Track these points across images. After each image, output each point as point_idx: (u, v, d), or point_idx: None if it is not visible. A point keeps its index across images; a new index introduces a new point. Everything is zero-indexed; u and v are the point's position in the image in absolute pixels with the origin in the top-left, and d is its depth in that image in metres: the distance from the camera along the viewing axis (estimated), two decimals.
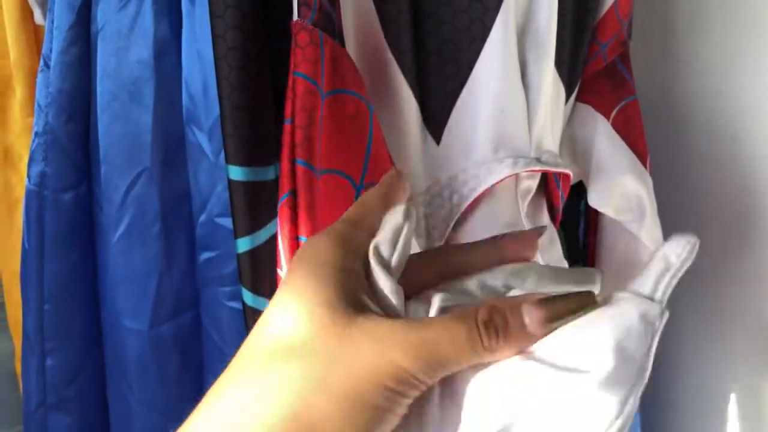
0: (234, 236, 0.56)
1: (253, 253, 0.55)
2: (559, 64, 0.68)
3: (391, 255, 0.28)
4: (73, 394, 0.68)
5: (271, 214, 0.58)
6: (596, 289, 0.30)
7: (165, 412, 0.66)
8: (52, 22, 0.59)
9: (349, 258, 0.27)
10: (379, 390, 0.24)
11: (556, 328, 0.25)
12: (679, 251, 0.26)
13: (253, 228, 0.56)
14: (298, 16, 0.55)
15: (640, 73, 0.79)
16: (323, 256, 0.27)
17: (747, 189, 0.83)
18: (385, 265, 0.28)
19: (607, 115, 0.73)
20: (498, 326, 0.25)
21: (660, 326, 0.26)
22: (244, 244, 0.57)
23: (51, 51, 0.59)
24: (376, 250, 0.28)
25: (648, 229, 0.73)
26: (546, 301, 0.25)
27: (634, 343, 0.25)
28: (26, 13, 0.65)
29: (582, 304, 0.25)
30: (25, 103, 0.66)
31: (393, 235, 0.28)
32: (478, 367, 0.26)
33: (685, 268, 0.26)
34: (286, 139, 0.52)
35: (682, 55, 0.88)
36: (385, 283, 0.27)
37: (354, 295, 0.26)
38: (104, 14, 0.58)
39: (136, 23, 0.58)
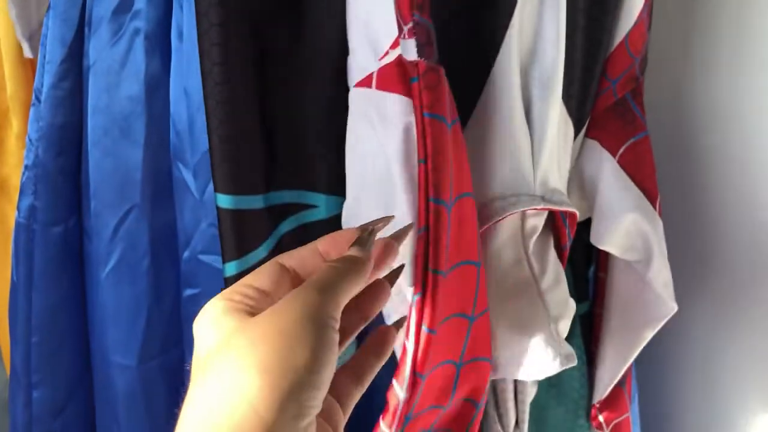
0: (222, 261, 0.56)
1: (240, 277, 0.54)
2: (567, 99, 0.65)
3: None
4: (59, 428, 0.67)
5: (259, 240, 0.58)
6: None
7: None
8: (44, 57, 0.58)
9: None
10: (311, 324, 0.31)
11: None
12: None
13: (240, 253, 0.56)
14: (421, 55, 0.52)
15: (653, 110, 0.76)
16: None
17: (762, 219, 0.80)
18: None
19: (614, 153, 0.70)
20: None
21: None
22: (231, 269, 0.56)
23: (42, 85, 0.59)
24: None
25: (655, 271, 0.70)
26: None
27: None
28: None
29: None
30: (21, 135, 0.66)
31: None
32: None
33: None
34: (419, 177, 0.52)
35: (696, 90, 0.85)
36: None
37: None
38: (96, 50, 0.58)
39: (128, 59, 0.57)
